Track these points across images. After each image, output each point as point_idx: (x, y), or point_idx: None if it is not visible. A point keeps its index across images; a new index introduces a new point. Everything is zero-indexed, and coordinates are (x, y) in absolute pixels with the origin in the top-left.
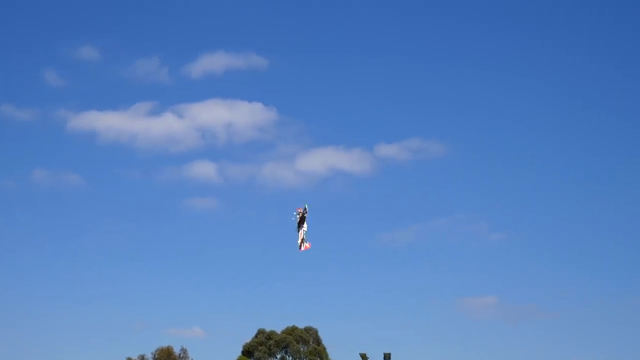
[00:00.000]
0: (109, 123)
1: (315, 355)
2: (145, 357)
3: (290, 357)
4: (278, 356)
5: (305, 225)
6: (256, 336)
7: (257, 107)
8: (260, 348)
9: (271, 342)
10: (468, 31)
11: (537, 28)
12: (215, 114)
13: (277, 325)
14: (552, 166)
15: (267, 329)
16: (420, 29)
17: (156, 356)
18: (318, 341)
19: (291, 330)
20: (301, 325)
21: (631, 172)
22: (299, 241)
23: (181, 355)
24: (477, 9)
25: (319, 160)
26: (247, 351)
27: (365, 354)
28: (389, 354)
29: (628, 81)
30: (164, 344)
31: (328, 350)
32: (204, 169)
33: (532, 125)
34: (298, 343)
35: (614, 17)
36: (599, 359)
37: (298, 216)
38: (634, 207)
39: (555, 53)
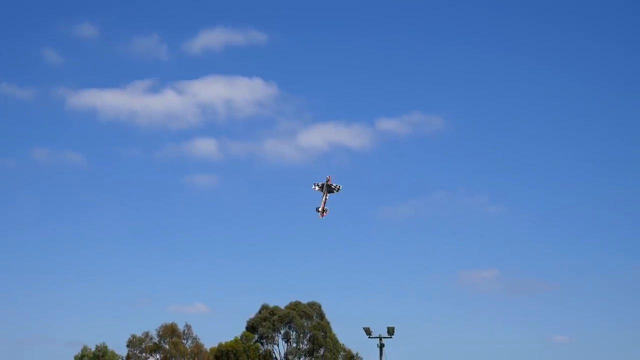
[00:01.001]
0: (109, 101)
1: (319, 330)
2: (150, 333)
3: (294, 332)
4: (282, 331)
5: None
6: (260, 312)
7: (257, 82)
8: (264, 323)
9: (275, 317)
10: (468, 8)
11: (536, 5)
12: (215, 91)
13: (281, 301)
14: (551, 140)
15: (271, 305)
16: (420, 5)
17: (160, 333)
18: (321, 316)
19: (294, 306)
20: (304, 300)
21: (628, 144)
22: (321, 208)
23: (185, 331)
24: None
25: (320, 136)
26: (251, 327)
27: (369, 328)
28: (393, 328)
29: (629, 59)
30: (168, 321)
31: (332, 325)
32: (205, 146)
33: (531, 99)
34: (302, 318)
35: None
36: (598, 330)
37: (323, 184)
38: (632, 180)
39: (553, 30)
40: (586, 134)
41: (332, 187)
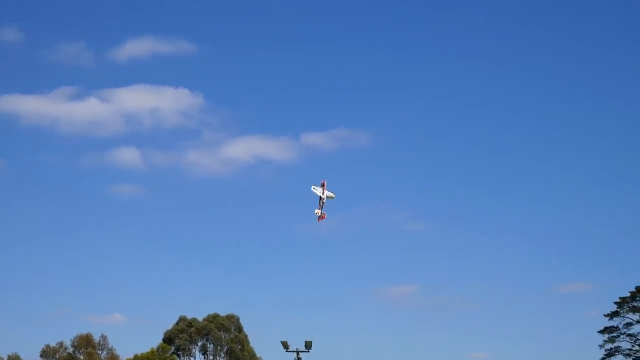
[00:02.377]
0: (31, 107)
1: (236, 343)
2: (64, 344)
3: (212, 345)
4: (199, 343)
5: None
6: (177, 323)
7: (183, 93)
8: (181, 335)
9: (192, 329)
10: (396, 22)
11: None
12: (141, 100)
13: (199, 313)
14: (474, 157)
15: (189, 316)
16: (349, 20)
17: (75, 343)
18: (239, 329)
19: (213, 318)
20: (223, 313)
21: (551, 170)
22: (319, 211)
23: (101, 342)
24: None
25: (245, 148)
26: (168, 338)
27: (286, 342)
28: (310, 342)
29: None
30: (84, 331)
31: (249, 338)
32: (128, 155)
33: (455, 117)
34: (219, 330)
35: None
36: (516, 346)
37: (320, 189)
38: (548, 204)
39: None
40: (506, 156)
41: (328, 194)
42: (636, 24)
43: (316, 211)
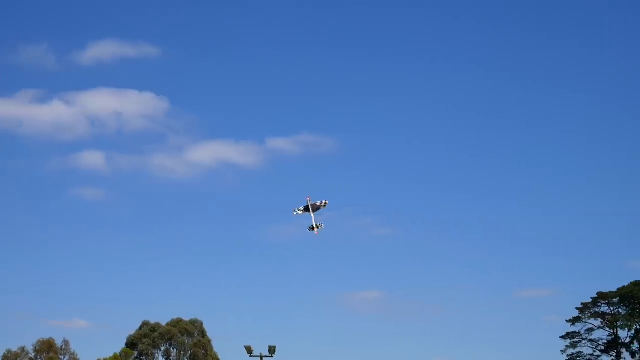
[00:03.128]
0: None
1: (200, 348)
2: (26, 349)
3: (175, 350)
4: (162, 348)
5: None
6: (140, 328)
7: (148, 96)
8: (144, 340)
9: (156, 334)
10: (355, 24)
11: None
12: (105, 103)
13: (162, 317)
14: (437, 163)
15: (152, 321)
16: (310, 22)
17: (37, 348)
18: (203, 333)
19: (176, 323)
20: (186, 318)
21: (512, 176)
22: (314, 225)
23: (63, 347)
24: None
25: (209, 153)
26: (131, 343)
27: (250, 347)
28: (274, 347)
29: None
30: (45, 336)
31: (213, 343)
32: (92, 159)
33: (420, 122)
34: (183, 335)
35: None
36: (477, 351)
37: (305, 207)
38: (510, 210)
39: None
40: (470, 161)
41: (318, 205)
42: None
43: (311, 227)
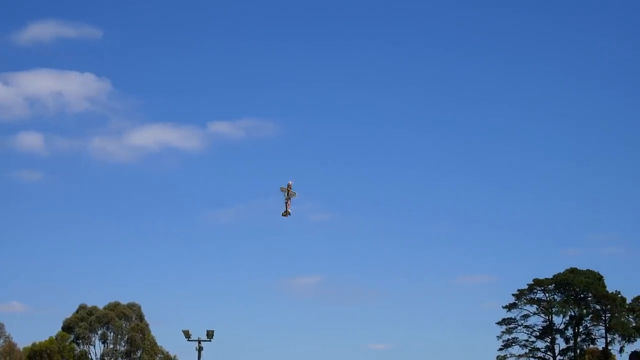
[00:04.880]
0: None
1: (137, 332)
2: None
3: (112, 334)
4: (99, 332)
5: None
6: (77, 312)
7: (89, 78)
8: (81, 324)
9: (92, 317)
10: (298, 10)
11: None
12: (44, 84)
13: (99, 301)
14: (376, 147)
15: (89, 305)
16: (252, 6)
17: None
18: (141, 317)
19: (114, 306)
20: (124, 301)
21: (453, 164)
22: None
23: None
24: None
25: (150, 136)
26: (68, 327)
27: (188, 331)
28: (212, 332)
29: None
30: None
31: (151, 327)
32: (31, 140)
33: (362, 109)
34: (120, 319)
35: None
36: (414, 337)
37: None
38: (448, 197)
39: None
40: (409, 146)
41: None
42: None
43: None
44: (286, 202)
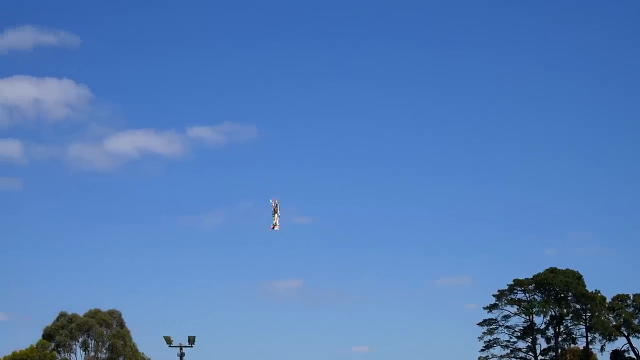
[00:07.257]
0: None
1: (118, 339)
2: None
3: (93, 341)
4: (80, 339)
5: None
6: (57, 319)
7: (68, 84)
8: (61, 331)
9: (73, 325)
10: (277, 14)
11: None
12: (23, 91)
13: (80, 308)
14: (358, 152)
15: (69, 312)
16: (233, 11)
17: None
18: (122, 324)
19: (94, 313)
20: (104, 308)
21: (428, 168)
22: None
23: None
24: None
25: (130, 142)
26: (48, 334)
27: (169, 337)
28: (194, 337)
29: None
30: None
31: (132, 334)
32: (9, 148)
33: (343, 113)
34: (101, 326)
35: None
36: (397, 340)
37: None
38: (425, 200)
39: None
40: (388, 150)
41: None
42: None
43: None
44: (274, 216)
